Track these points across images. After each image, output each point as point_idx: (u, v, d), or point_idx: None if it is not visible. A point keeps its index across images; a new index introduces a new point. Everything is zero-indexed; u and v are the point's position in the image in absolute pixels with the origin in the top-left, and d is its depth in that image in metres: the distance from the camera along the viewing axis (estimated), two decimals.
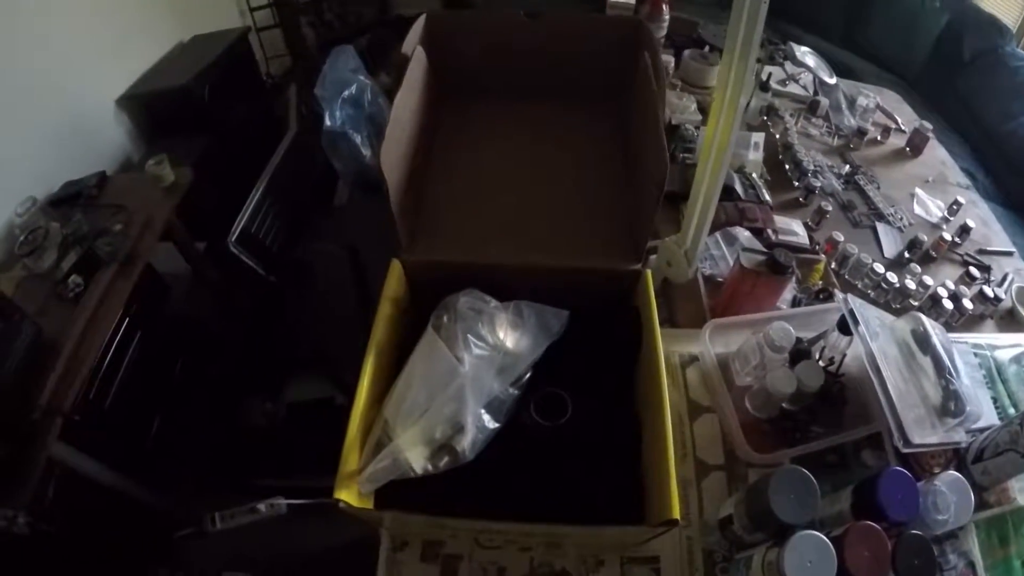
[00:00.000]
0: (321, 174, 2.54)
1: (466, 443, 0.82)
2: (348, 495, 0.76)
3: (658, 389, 0.82)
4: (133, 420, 2.00)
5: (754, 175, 1.63)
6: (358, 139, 2.31)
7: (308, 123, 2.40)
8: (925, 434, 1.01)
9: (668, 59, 2.02)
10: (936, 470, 1.08)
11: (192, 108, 2.47)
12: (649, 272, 0.94)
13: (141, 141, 2.59)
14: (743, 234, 1.40)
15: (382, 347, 0.91)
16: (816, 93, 2.00)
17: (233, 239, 1.88)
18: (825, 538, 0.82)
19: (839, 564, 0.81)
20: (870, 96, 2.04)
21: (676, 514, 0.71)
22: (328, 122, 2.27)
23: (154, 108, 2.54)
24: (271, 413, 2.19)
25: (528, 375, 0.92)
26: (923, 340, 1.10)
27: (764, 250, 1.18)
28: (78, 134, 2.31)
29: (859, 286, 1.45)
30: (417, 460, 0.81)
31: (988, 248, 1.64)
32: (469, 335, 0.88)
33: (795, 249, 1.22)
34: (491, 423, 0.85)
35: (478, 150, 1.20)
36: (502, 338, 0.90)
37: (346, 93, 2.41)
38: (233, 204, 1.93)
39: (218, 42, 2.68)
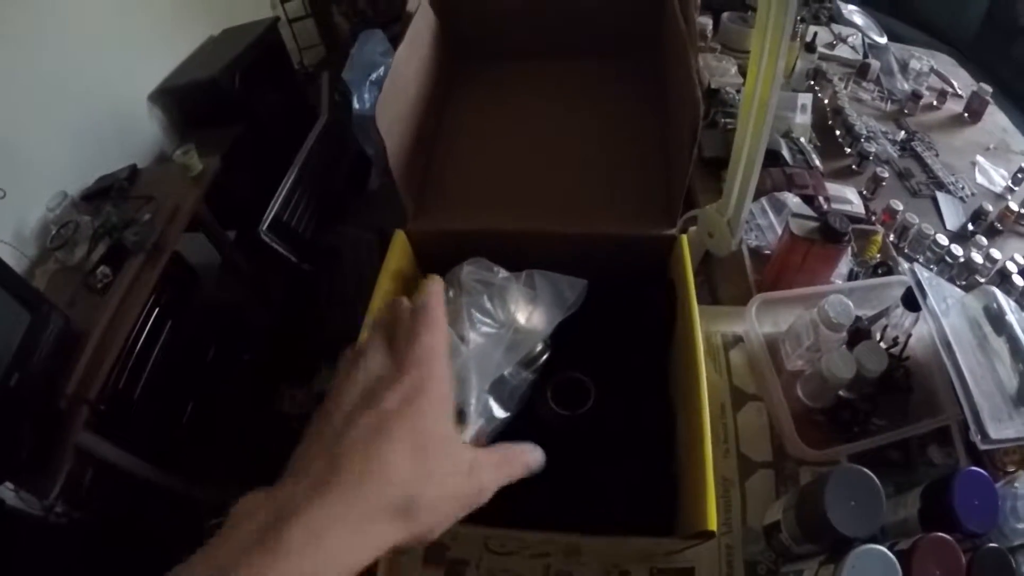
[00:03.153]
0: (354, 160, 2.45)
1: (468, 435, 0.69)
2: None
3: (695, 374, 0.67)
4: (164, 409, 1.96)
5: (802, 139, 1.44)
6: None
7: (341, 110, 2.32)
8: (1003, 428, 0.83)
9: (706, 22, 1.85)
10: (1011, 468, 0.91)
11: (222, 99, 2.39)
12: (685, 237, 0.79)
13: (174, 134, 2.54)
14: (792, 200, 1.22)
15: None
16: (866, 56, 1.80)
17: (265, 227, 1.84)
18: (891, 554, 0.66)
19: None
20: (923, 59, 1.83)
21: (712, 525, 0.56)
22: (357, 105, 2.18)
23: (185, 101, 2.48)
24: (302, 402, 2.12)
25: (544, 357, 0.78)
26: (997, 319, 0.92)
27: (816, 216, 1.01)
28: (112, 130, 2.28)
29: (920, 260, 1.26)
30: None
31: None
32: (474, 310, 0.74)
33: (850, 219, 1.06)
34: (500, 412, 0.70)
35: (494, 112, 1.05)
36: (512, 312, 0.76)
37: (374, 76, 2.32)
38: (265, 193, 1.90)
39: (247, 33, 2.59)
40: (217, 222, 2.18)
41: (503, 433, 0.72)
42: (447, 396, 0.41)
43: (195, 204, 2.00)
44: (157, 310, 1.91)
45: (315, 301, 2.11)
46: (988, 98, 1.71)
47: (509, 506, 0.72)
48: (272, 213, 1.85)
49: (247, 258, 2.29)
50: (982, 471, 0.75)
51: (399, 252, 0.86)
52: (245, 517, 0.35)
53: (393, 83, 0.85)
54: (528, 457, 0.46)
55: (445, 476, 0.38)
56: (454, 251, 0.82)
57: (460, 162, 0.98)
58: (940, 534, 0.68)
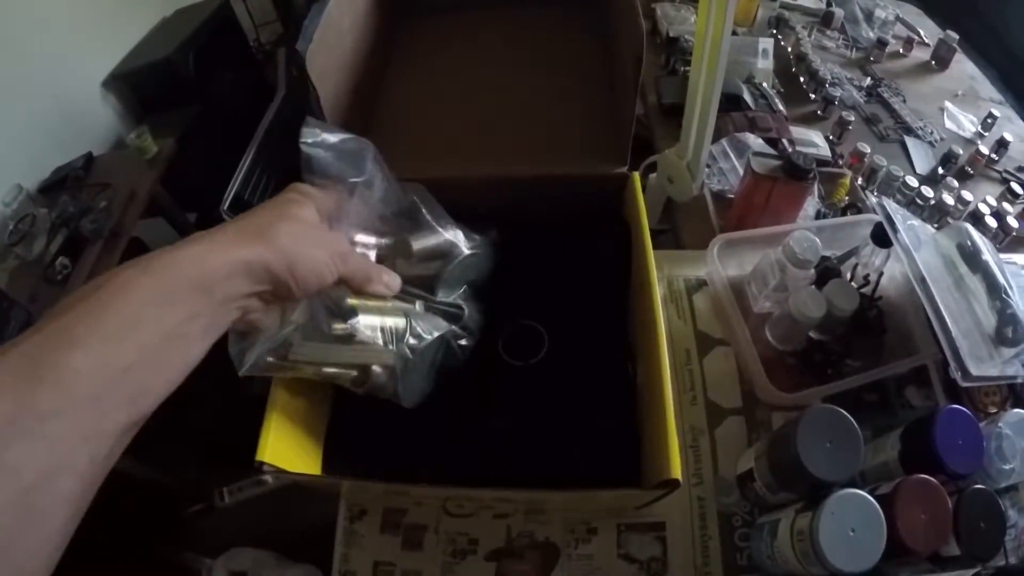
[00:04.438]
0: None
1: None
2: (273, 455, 0.54)
3: (652, 316, 0.60)
4: None
5: (764, 84, 1.38)
6: None
7: (298, 85, 2.21)
8: (983, 366, 0.78)
9: None
10: (992, 409, 0.87)
11: (177, 80, 2.28)
12: (636, 174, 0.72)
13: (130, 119, 2.42)
14: (754, 141, 1.15)
15: None
16: (829, 4, 1.74)
17: (226, 206, 1.75)
18: (871, 499, 0.60)
19: (889, 531, 0.59)
20: (888, 8, 1.78)
21: (677, 473, 0.50)
22: None
23: (140, 85, 2.36)
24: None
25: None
26: (972, 256, 0.86)
27: (778, 154, 0.94)
28: (66, 119, 2.17)
29: None
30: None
31: None
32: None
33: (817, 162, 0.99)
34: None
35: (438, 62, 0.99)
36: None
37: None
38: (225, 173, 1.79)
39: (200, 12, 2.48)
40: (177, 205, 2.09)
41: (457, 387, 0.65)
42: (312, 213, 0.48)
43: (151, 187, 1.92)
44: None
45: None
46: (955, 45, 1.66)
47: (465, 463, 0.66)
48: (232, 192, 1.75)
49: None
50: (963, 409, 0.69)
51: None
52: None
53: (325, 33, 0.79)
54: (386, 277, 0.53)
55: (302, 234, 0.45)
56: None
57: (404, 112, 0.92)
58: (923, 476, 0.63)
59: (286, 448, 0.57)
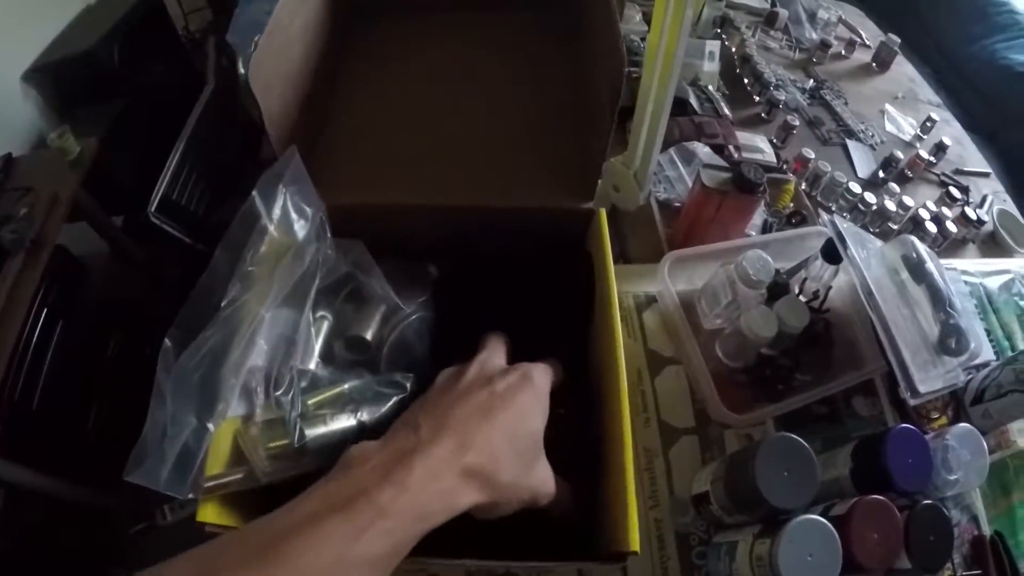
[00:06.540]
0: (246, 128, 2.25)
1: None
2: (217, 514, 0.49)
3: (613, 359, 0.57)
4: (67, 416, 1.78)
5: (710, 88, 1.38)
6: None
7: (229, 76, 2.11)
8: (929, 379, 0.82)
9: None
10: (934, 415, 0.91)
11: (102, 73, 2.15)
12: (603, 212, 0.70)
13: (53, 115, 2.26)
14: (702, 150, 1.15)
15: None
16: (774, 4, 1.76)
17: (153, 208, 1.66)
18: (828, 524, 0.61)
19: (844, 551, 0.60)
20: (831, 9, 1.81)
21: (635, 545, 0.46)
22: (243, 69, 1.98)
23: (61, 78, 2.21)
24: None
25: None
26: (916, 268, 0.90)
27: (728, 166, 0.94)
28: None
29: (833, 208, 1.23)
30: (259, 460, 0.51)
31: (964, 168, 1.44)
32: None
33: (763, 168, 1.00)
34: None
35: (394, 73, 0.92)
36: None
37: (259, 37, 2.11)
38: (152, 172, 1.69)
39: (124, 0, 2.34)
40: (102, 208, 1.97)
41: None
42: (544, 396, 0.51)
43: (74, 191, 1.80)
44: (45, 311, 1.72)
45: None
46: (896, 48, 1.71)
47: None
48: (160, 192, 1.65)
49: (138, 244, 2.09)
50: (913, 428, 0.72)
51: None
52: (360, 461, 0.41)
53: (271, 40, 0.73)
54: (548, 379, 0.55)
55: (526, 459, 0.48)
56: (344, 229, 0.71)
57: (355, 129, 0.86)
58: (876, 496, 0.65)
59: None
